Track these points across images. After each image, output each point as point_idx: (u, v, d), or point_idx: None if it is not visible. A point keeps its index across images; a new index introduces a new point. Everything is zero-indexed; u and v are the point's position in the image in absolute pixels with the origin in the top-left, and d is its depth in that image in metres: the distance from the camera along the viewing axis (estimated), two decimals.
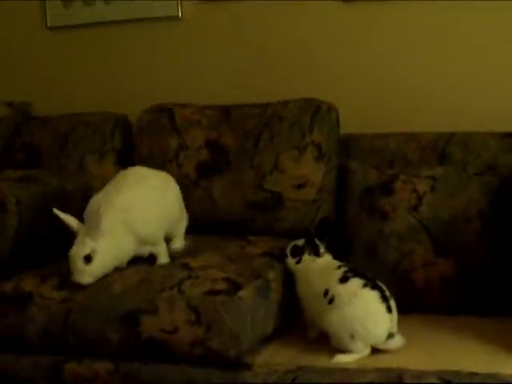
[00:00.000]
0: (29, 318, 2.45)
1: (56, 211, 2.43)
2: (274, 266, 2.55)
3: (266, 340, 2.44)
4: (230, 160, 2.93)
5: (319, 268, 2.49)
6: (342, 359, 2.32)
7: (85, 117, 3.23)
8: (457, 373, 2.13)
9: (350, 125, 2.98)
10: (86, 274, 2.41)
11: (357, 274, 2.38)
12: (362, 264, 2.60)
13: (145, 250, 2.55)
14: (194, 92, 3.26)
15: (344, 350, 2.33)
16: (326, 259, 2.53)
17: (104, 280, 2.44)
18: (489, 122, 2.92)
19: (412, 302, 2.51)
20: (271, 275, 2.49)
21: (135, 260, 2.53)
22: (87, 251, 2.40)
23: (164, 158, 3.01)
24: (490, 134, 2.83)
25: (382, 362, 2.27)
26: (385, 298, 2.36)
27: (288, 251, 2.55)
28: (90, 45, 3.50)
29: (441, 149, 2.85)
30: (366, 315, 2.34)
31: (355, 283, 2.36)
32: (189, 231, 2.68)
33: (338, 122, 2.94)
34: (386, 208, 2.71)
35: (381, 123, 3.06)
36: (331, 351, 2.34)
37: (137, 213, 2.49)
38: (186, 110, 3.07)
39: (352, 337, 2.33)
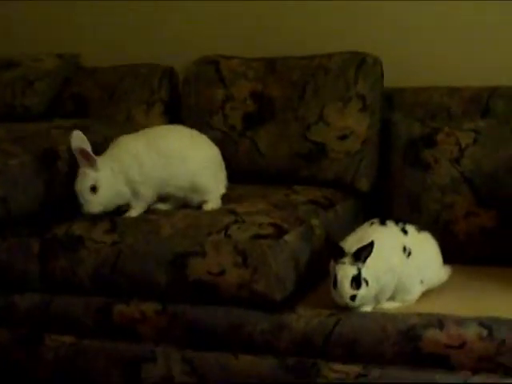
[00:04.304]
0: (80, 260, 2.52)
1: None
2: (319, 214, 2.60)
3: (309, 286, 2.49)
4: (276, 111, 2.95)
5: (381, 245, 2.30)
6: (384, 305, 2.36)
7: (132, 68, 3.27)
8: (497, 319, 2.18)
9: (393, 78, 3.00)
10: (96, 204, 2.54)
11: (399, 221, 2.41)
12: (407, 215, 2.64)
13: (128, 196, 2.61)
14: (240, 44, 3.27)
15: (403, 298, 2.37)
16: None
17: (153, 224, 2.51)
18: None
19: (453, 252, 2.53)
20: (315, 222, 2.54)
21: (184, 206, 2.59)
22: (91, 182, 2.53)
23: (210, 108, 3.04)
24: None
25: (423, 307, 2.32)
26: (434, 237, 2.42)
27: (353, 290, 2.24)
28: None
29: (484, 102, 2.86)
30: (433, 258, 2.41)
31: (412, 230, 2.39)
32: (235, 180, 2.72)
33: (382, 74, 2.95)
34: (429, 160, 2.74)
35: (424, 77, 3.07)
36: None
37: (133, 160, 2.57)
38: (233, 62, 3.09)
39: (421, 282, 2.36)
